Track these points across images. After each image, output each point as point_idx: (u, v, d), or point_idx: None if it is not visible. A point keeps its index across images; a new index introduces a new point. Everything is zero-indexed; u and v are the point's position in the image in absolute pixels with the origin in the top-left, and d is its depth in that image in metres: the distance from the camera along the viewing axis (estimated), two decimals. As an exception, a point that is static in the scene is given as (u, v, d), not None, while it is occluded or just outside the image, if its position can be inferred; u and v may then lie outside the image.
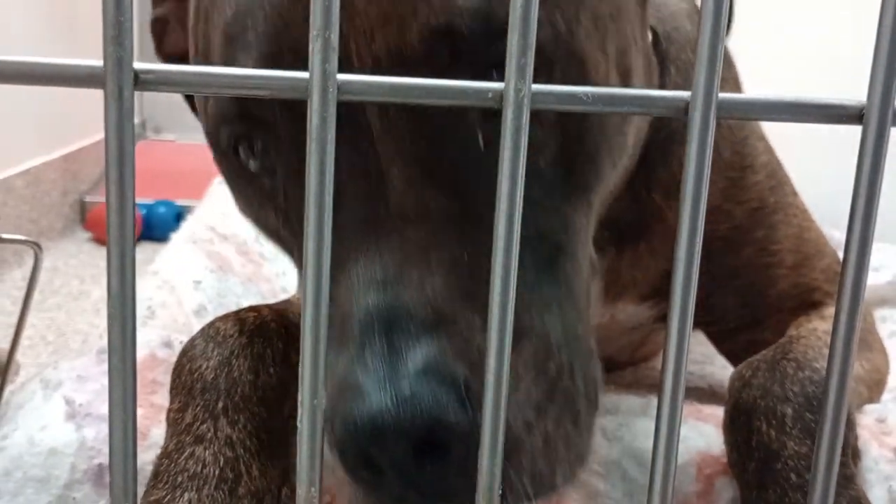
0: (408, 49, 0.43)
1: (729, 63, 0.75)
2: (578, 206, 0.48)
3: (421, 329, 0.40)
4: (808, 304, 0.74)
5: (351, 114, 0.43)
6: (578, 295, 0.48)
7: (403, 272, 0.42)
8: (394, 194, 0.44)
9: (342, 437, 0.39)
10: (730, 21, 0.56)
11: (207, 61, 0.51)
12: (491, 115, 0.43)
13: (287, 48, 0.45)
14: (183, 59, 0.65)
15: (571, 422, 0.43)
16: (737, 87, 0.76)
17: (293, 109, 0.45)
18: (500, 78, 0.43)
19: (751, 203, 0.72)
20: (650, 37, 0.63)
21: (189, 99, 0.67)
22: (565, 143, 0.47)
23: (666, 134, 0.65)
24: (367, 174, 0.44)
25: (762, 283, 0.73)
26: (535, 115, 0.44)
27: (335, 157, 0.44)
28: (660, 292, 0.72)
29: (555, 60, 0.46)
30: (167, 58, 0.69)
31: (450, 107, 0.42)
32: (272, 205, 0.51)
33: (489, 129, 0.44)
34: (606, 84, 0.48)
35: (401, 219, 0.43)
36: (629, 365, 0.93)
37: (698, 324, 0.77)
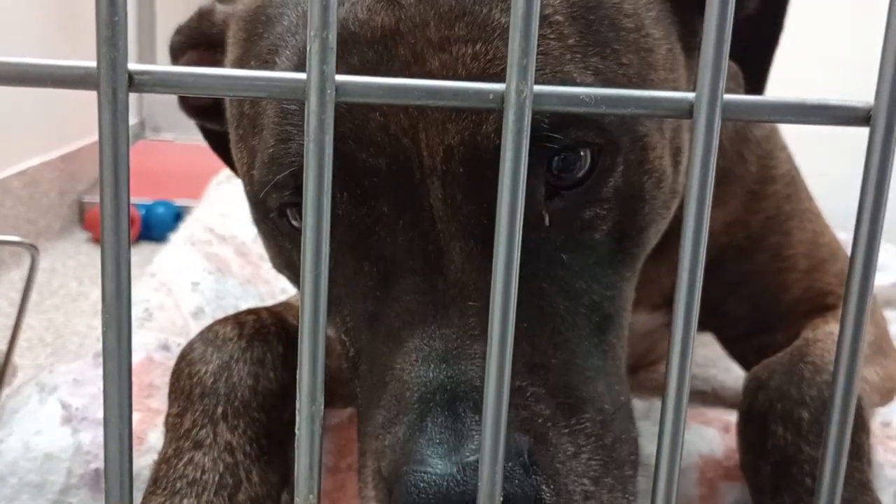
0: (483, 142, 0.44)
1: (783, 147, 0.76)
2: (626, 276, 0.50)
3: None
4: (821, 308, 0.73)
5: (413, 193, 0.45)
6: (620, 361, 0.49)
7: (464, 345, 0.43)
8: (453, 270, 0.44)
9: (405, 502, 0.39)
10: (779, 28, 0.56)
11: (256, 130, 0.51)
12: (554, 194, 0.45)
13: (349, 131, 0.45)
14: (208, 112, 0.66)
15: (621, 490, 0.44)
16: (793, 184, 0.76)
17: (350, 191, 0.46)
18: (563, 166, 0.44)
19: (766, 212, 0.72)
20: None
21: (210, 139, 0.68)
22: (621, 219, 0.48)
23: None
24: (427, 251, 0.45)
25: (775, 289, 0.73)
26: (597, 193, 0.46)
27: (392, 224, 0.45)
28: (671, 301, 0.72)
29: (620, 145, 0.46)
30: (193, 111, 0.69)
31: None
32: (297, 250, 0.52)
33: (554, 207, 0.46)
34: (661, 168, 0.49)
35: (461, 293, 0.44)
36: (635, 371, 0.92)
37: (709, 327, 0.77)
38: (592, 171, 0.46)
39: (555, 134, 0.44)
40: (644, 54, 0.49)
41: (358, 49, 0.45)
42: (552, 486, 0.40)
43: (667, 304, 0.72)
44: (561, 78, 0.44)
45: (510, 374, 0.32)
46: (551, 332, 0.45)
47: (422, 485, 0.38)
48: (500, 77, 0.42)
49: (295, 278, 0.57)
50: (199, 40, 0.62)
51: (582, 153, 0.46)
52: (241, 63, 0.53)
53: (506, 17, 0.44)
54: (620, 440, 0.45)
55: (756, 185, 0.72)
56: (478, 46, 0.44)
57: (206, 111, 0.66)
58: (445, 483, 0.38)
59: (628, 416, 0.48)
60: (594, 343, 0.47)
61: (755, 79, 0.62)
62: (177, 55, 0.66)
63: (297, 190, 0.48)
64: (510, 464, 0.39)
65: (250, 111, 0.52)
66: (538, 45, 0.44)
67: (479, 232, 0.45)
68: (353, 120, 0.45)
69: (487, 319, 0.43)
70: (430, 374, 0.42)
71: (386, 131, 0.44)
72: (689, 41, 0.54)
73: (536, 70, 0.43)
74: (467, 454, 0.39)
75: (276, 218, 0.51)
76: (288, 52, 0.48)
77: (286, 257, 0.55)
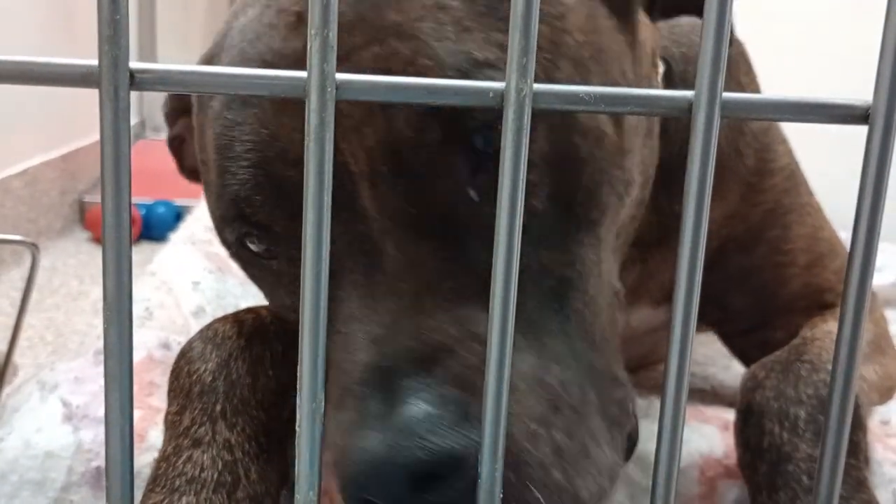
0: (398, 139, 0.45)
1: (749, 70, 0.75)
2: (586, 242, 0.49)
3: (414, 367, 0.41)
4: (819, 304, 0.74)
5: (346, 199, 0.46)
6: (592, 325, 0.49)
7: (397, 323, 0.44)
8: (388, 259, 0.46)
9: (347, 484, 0.40)
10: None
11: (208, 174, 0.54)
12: (477, 170, 0.46)
13: (275, 155, 0.47)
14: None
15: (587, 434, 0.44)
16: (749, 75, 0.76)
17: (285, 208, 0.48)
18: (484, 140, 0.45)
19: (766, 205, 0.72)
20: (662, 66, 0.63)
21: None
22: (560, 182, 0.48)
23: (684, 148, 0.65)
24: (364, 250, 0.46)
25: (775, 283, 0.73)
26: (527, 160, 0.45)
27: (332, 232, 0.45)
28: (672, 297, 0.72)
29: (536, 113, 0.46)
30: (190, 172, 0.71)
31: (438, 170, 0.46)
32: (281, 283, 0.53)
33: (480, 181, 0.46)
34: (595, 127, 0.49)
35: (394, 277, 0.45)
36: (637, 370, 0.93)
37: (710, 323, 0.77)
38: None
39: (465, 115, 0.45)
40: (554, 20, 0.49)
41: None
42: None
43: (668, 300, 0.72)
44: (464, 56, 0.45)
45: (510, 374, 0.33)
46: (484, 295, 0.45)
47: (358, 464, 0.39)
48: (399, 72, 0.44)
49: (272, 302, 0.58)
50: (187, 106, 0.64)
51: (498, 126, 0.46)
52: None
53: (399, 15, 0.46)
54: (581, 391, 0.45)
55: (754, 178, 0.71)
56: (375, 49, 0.46)
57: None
58: (379, 458, 0.38)
59: (599, 375, 0.47)
60: (552, 308, 0.47)
61: None
62: (171, 123, 0.70)
63: (241, 220, 0.50)
64: (442, 421, 0.39)
65: (204, 156, 0.55)
66: (438, 35, 0.45)
67: (408, 223, 0.46)
68: (277, 144, 0.47)
69: (419, 294, 0.44)
70: (366, 358, 0.43)
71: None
72: (620, 7, 0.54)
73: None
74: (397, 424, 0.39)
75: (239, 250, 0.53)
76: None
77: (259, 282, 0.57)
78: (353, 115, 0.45)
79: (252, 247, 0.52)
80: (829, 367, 0.58)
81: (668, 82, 0.65)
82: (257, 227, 0.50)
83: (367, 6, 0.46)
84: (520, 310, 0.44)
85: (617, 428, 0.47)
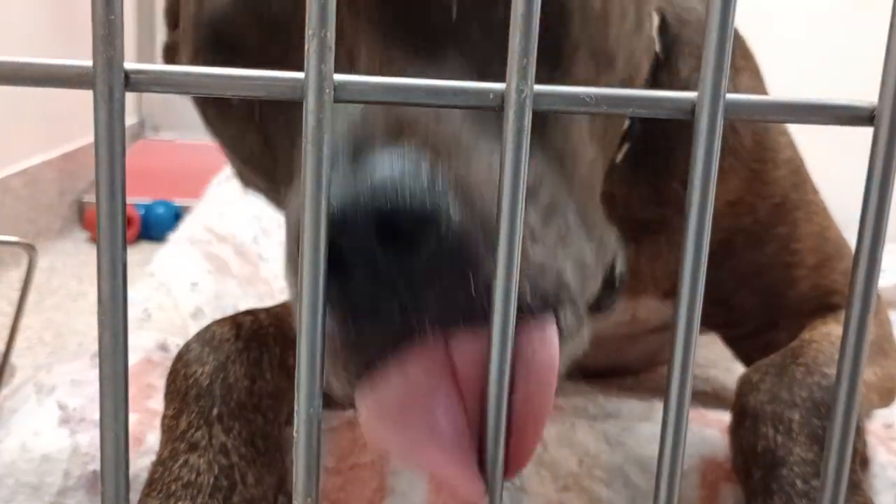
0: None
1: (747, 54, 0.74)
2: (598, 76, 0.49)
3: (383, 138, 0.39)
4: (826, 306, 0.73)
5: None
6: (579, 176, 0.48)
7: (368, 112, 0.41)
8: (362, 58, 0.44)
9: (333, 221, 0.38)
10: None
11: (186, 20, 0.52)
12: None
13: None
14: None
15: (573, 258, 0.43)
16: (757, 77, 0.75)
17: (262, 28, 0.47)
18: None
19: (773, 198, 0.71)
20: (656, 20, 0.63)
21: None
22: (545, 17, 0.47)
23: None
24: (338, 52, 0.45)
25: (783, 284, 0.73)
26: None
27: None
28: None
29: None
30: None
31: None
32: (251, 127, 0.51)
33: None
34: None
35: (368, 72, 0.43)
36: (640, 372, 0.92)
37: (716, 325, 0.76)
38: None
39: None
40: None
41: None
42: (463, 197, 0.37)
43: (675, 292, 0.71)
44: None
45: (510, 373, 0.32)
46: (444, 68, 0.45)
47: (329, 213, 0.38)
48: None
49: (233, 151, 0.55)
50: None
51: None
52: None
53: None
54: (564, 213, 0.44)
55: (756, 164, 0.70)
56: None
57: None
58: (344, 206, 0.36)
59: (583, 206, 0.47)
60: (539, 145, 0.45)
61: None
62: (172, 25, 0.67)
63: (217, 46, 0.49)
64: (407, 178, 0.37)
65: (186, 10, 0.53)
66: None
67: (387, 23, 0.45)
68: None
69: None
70: (341, 132, 0.41)
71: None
72: None
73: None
74: (364, 180, 0.37)
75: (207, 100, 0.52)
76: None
77: (223, 127, 0.54)
78: None
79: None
80: (825, 369, 0.58)
81: (663, 37, 0.65)
82: (237, 54, 0.48)
83: None
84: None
85: (602, 252, 0.46)
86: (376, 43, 0.45)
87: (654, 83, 0.60)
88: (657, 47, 0.63)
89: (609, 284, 0.49)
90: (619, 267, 0.49)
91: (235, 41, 0.48)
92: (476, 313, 0.37)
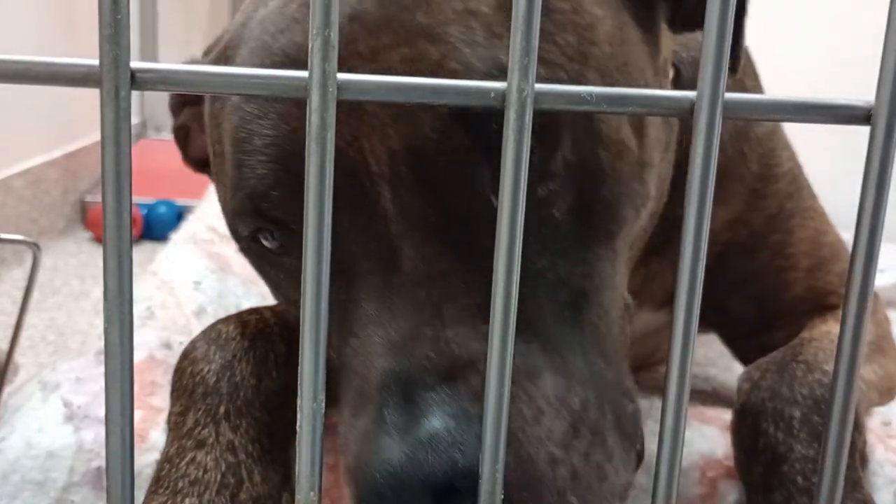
0: (423, 143, 0.45)
1: (752, 66, 0.75)
2: (602, 254, 0.49)
3: (436, 379, 0.41)
4: (822, 307, 0.73)
5: (365, 199, 0.46)
6: (605, 339, 0.49)
7: (417, 331, 0.43)
8: (406, 263, 0.45)
9: (365, 494, 0.40)
10: (737, 53, 0.55)
11: (222, 166, 0.53)
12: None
13: (296, 151, 0.46)
14: (207, 165, 0.67)
15: (603, 455, 0.44)
16: (755, 77, 0.75)
17: (300, 203, 0.46)
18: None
19: (769, 210, 0.72)
20: (671, 72, 0.63)
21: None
22: (581, 193, 0.47)
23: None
24: (382, 252, 0.46)
25: (777, 287, 0.73)
26: (546, 170, 0.46)
27: (348, 233, 0.45)
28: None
29: (562, 124, 0.46)
30: (195, 163, 0.70)
31: (462, 177, 0.45)
32: (291, 280, 0.53)
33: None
34: (619, 140, 0.49)
35: (413, 284, 0.45)
36: (638, 371, 0.92)
37: (712, 326, 0.77)
38: (537, 149, 0.46)
39: (491, 121, 0.44)
40: (583, 31, 0.49)
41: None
42: (511, 453, 0.39)
43: (670, 301, 0.72)
44: (493, 61, 0.45)
45: (511, 375, 0.33)
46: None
47: (378, 474, 0.39)
48: (427, 74, 0.44)
49: (285, 301, 0.57)
50: (195, 96, 0.64)
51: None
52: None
53: (429, 18, 0.45)
54: (599, 407, 0.45)
55: (758, 184, 0.71)
56: (404, 50, 0.45)
57: (206, 164, 0.67)
58: (402, 468, 0.38)
59: (613, 389, 0.47)
60: (569, 321, 0.46)
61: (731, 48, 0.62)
62: (177, 112, 0.69)
63: (255, 215, 0.50)
64: (462, 438, 0.38)
65: (219, 148, 0.54)
66: (468, 39, 0.45)
67: (429, 228, 0.45)
68: (298, 139, 0.46)
69: (439, 302, 0.44)
70: (385, 365, 0.43)
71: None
72: (645, 18, 0.54)
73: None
74: (419, 434, 0.39)
75: (250, 245, 0.53)
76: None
77: (272, 280, 0.56)
78: (377, 114, 0.45)
79: (265, 243, 0.51)
80: (825, 367, 0.58)
81: (677, 86, 0.65)
82: (273, 223, 0.49)
83: (396, 8, 0.46)
84: (539, 323, 0.45)
85: (629, 443, 0.47)
86: (426, 251, 0.45)
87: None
88: None
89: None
90: (641, 441, 0.49)
91: (276, 215, 0.49)
92: None
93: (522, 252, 0.46)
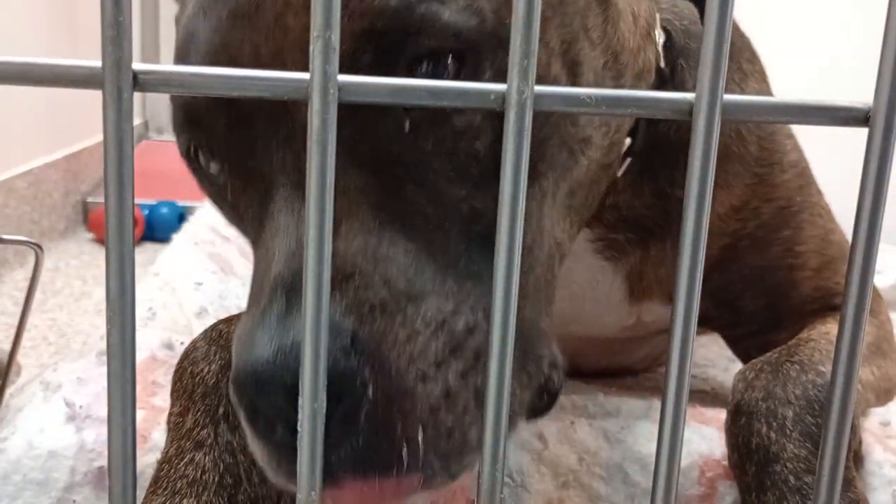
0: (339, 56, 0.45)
1: (753, 57, 0.75)
2: (530, 192, 0.48)
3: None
4: (828, 308, 0.73)
5: (286, 113, 0.46)
6: (523, 276, 0.47)
7: None
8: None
9: (234, 388, 0.41)
10: None
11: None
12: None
13: (224, 63, 0.47)
14: None
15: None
16: (763, 80, 0.75)
17: (227, 115, 0.48)
18: (429, 70, 0.45)
19: (778, 202, 0.72)
20: (662, 36, 0.63)
21: None
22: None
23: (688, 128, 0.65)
24: (296, 164, 0.46)
25: (786, 286, 0.73)
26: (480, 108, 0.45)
27: (269, 147, 0.46)
28: None
29: (482, 49, 0.46)
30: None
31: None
32: (225, 197, 0.53)
33: (416, 114, 0.46)
34: (548, 76, 0.48)
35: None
36: (643, 373, 0.93)
37: (719, 326, 0.77)
38: (456, 78, 0.45)
39: (399, 44, 0.45)
40: None
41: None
42: (377, 366, 0.39)
43: None
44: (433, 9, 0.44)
45: (510, 375, 0.33)
46: (406, 229, 0.45)
47: (243, 371, 0.40)
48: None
49: (226, 217, 0.58)
50: None
51: (444, 60, 0.45)
52: None
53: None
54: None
55: (762, 169, 0.71)
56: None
57: None
58: (262, 366, 0.39)
59: (537, 336, 0.47)
60: (481, 252, 0.46)
61: None
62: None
63: (189, 125, 0.50)
64: (330, 340, 0.39)
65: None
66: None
67: (342, 144, 0.45)
68: (227, 53, 0.47)
69: (341, 216, 0.44)
70: (275, 270, 0.43)
71: (257, 60, 0.46)
72: None
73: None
74: (286, 336, 0.39)
75: (191, 163, 0.53)
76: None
77: (209, 198, 0.57)
78: (297, 29, 0.45)
79: (201, 158, 0.52)
80: (820, 367, 0.58)
81: (669, 52, 0.65)
82: (202, 133, 0.50)
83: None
84: (441, 249, 0.45)
85: (526, 379, 0.46)
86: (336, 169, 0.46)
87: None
88: (662, 63, 0.64)
89: (544, 390, 0.49)
90: (557, 383, 0.49)
91: (203, 123, 0.50)
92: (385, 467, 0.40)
93: (436, 180, 0.46)
